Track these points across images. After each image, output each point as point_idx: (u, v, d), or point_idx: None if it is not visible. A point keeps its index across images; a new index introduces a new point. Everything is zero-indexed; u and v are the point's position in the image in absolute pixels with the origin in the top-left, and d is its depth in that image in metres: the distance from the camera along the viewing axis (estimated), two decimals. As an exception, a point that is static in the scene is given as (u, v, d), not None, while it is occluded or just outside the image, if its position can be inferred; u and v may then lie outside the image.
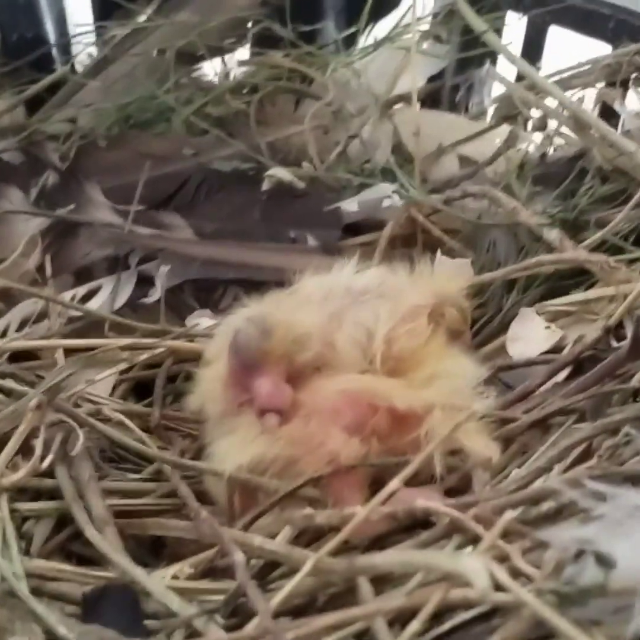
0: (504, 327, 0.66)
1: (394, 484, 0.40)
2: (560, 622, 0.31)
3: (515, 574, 0.36)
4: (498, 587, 0.33)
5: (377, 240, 0.71)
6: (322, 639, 0.39)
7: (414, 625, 0.34)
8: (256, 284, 0.65)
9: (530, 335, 0.64)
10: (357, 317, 0.55)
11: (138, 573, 0.45)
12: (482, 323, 0.69)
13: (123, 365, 0.64)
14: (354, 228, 0.75)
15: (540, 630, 0.35)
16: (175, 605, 0.43)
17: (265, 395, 0.50)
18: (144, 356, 0.64)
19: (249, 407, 0.51)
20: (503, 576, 0.31)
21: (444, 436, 0.47)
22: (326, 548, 0.40)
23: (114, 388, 0.66)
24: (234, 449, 0.51)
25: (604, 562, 0.33)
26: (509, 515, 0.35)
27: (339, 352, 0.53)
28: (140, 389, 0.67)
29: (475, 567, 0.31)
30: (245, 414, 0.52)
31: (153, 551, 0.55)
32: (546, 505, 0.39)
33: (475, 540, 0.39)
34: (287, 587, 0.40)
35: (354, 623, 0.39)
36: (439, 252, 0.67)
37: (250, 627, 0.39)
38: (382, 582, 0.41)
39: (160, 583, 0.45)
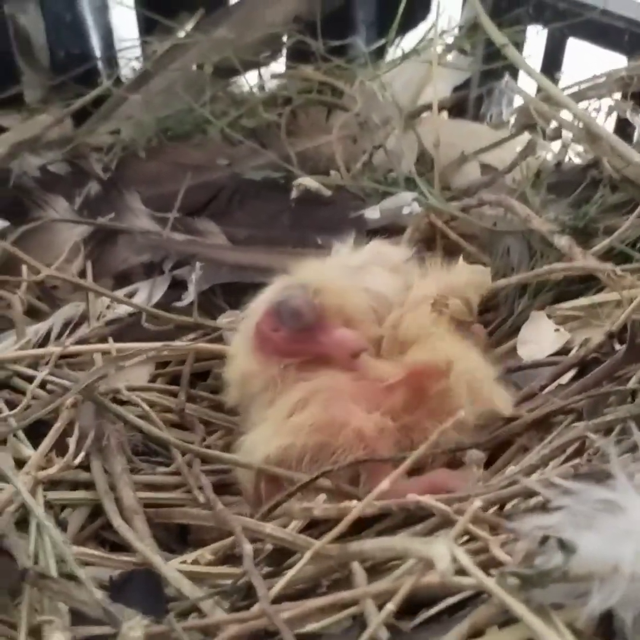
0: (515, 330, 0.69)
1: (384, 483, 0.43)
2: (515, 604, 0.35)
3: (494, 562, 0.39)
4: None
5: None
6: (319, 621, 0.43)
7: (390, 606, 0.37)
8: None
9: (540, 337, 0.67)
10: (366, 286, 0.59)
11: (156, 559, 0.49)
12: (495, 325, 0.72)
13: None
14: (376, 233, 0.78)
15: (507, 615, 0.38)
16: (187, 589, 0.47)
17: (350, 340, 0.54)
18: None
19: (302, 367, 0.55)
20: (464, 559, 0.35)
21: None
22: (326, 538, 0.44)
23: (153, 381, 0.71)
24: (262, 440, 0.54)
25: (566, 547, 0.37)
26: (477, 504, 0.38)
27: (353, 323, 0.57)
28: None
29: (440, 551, 0.35)
30: (276, 402, 0.55)
31: (180, 538, 0.59)
32: (522, 501, 0.43)
33: (467, 533, 0.41)
34: (291, 571, 0.44)
35: (349, 606, 0.43)
36: (460, 259, 0.69)
37: (252, 610, 0.43)
38: (379, 572, 0.45)
39: (174, 569, 0.49)
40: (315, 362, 0.56)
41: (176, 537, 0.59)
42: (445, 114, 0.89)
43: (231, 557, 0.52)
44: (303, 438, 0.53)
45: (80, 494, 0.57)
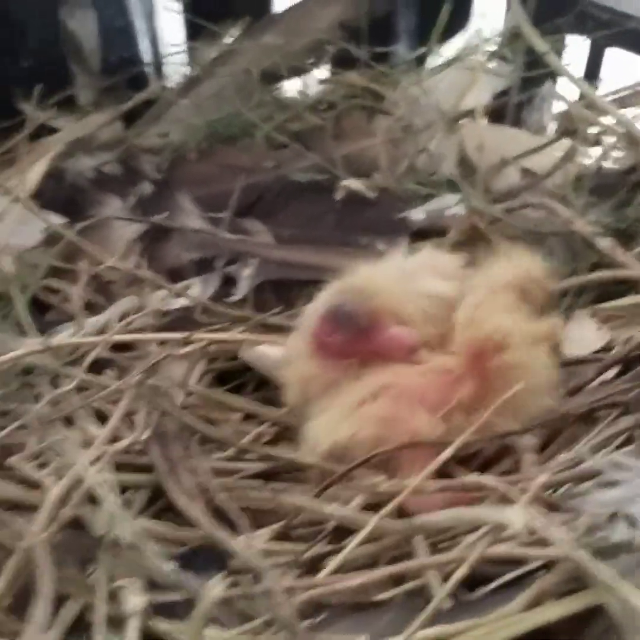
0: (560, 328, 0.71)
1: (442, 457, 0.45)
2: (598, 566, 0.36)
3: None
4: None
5: (441, 246, 0.77)
6: (379, 593, 0.45)
7: (460, 572, 0.39)
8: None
9: (583, 335, 0.69)
10: (421, 291, 0.60)
11: (221, 535, 0.51)
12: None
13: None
14: (420, 234, 0.80)
15: (574, 583, 0.40)
16: (255, 560, 0.49)
17: (404, 336, 0.56)
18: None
19: (360, 366, 0.56)
20: (540, 521, 0.37)
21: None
22: (384, 511, 0.46)
23: (201, 378, 0.73)
24: (329, 426, 0.55)
25: (632, 522, 0.39)
26: (542, 478, 0.40)
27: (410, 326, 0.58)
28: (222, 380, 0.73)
29: (515, 514, 0.37)
30: (337, 395, 0.56)
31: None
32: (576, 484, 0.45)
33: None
34: (353, 542, 0.46)
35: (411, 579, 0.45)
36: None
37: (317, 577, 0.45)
38: (439, 551, 0.47)
39: (241, 543, 0.51)
40: (374, 362, 0.57)
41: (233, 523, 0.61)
42: (484, 120, 0.91)
43: (288, 537, 0.54)
44: (368, 429, 0.54)
45: (140, 477, 0.59)
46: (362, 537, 0.46)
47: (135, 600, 0.45)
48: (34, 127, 0.87)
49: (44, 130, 0.91)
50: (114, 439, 0.57)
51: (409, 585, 0.45)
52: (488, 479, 0.47)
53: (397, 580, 0.47)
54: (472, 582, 0.44)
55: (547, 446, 0.58)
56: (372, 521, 0.45)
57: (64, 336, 0.70)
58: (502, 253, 0.63)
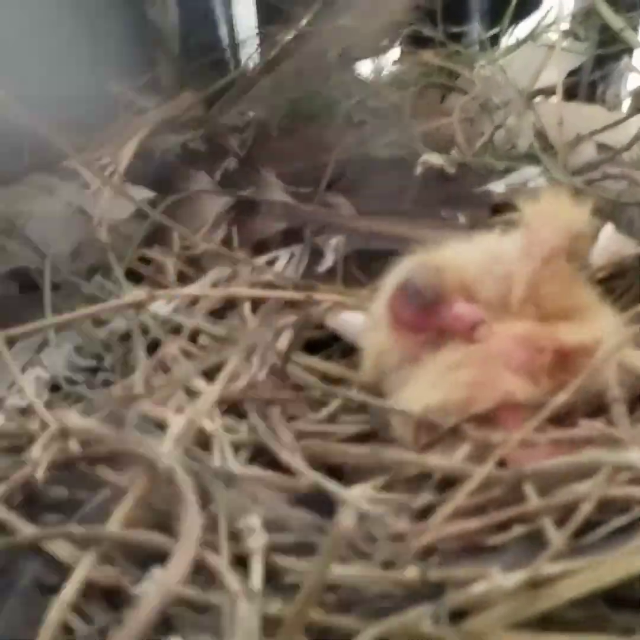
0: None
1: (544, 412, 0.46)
2: None
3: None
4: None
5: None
6: (490, 539, 0.46)
7: (584, 510, 0.40)
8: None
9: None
10: (500, 274, 0.59)
11: (330, 485, 0.51)
12: (619, 293, 0.74)
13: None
14: (499, 207, 0.81)
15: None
16: (365, 507, 0.49)
17: (467, 312, 0.56)
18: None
19: (435, 341, 0.56)
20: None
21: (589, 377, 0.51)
22: (494, 457, 0.47)
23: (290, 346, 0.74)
24: (420, 393, 0.55)
25: None
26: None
27: (486, 306, 0.57)
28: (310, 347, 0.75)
29: (637, 454, 0.38)
30: (424, 358, 0.56)
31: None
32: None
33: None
34: (463, 490, 0.47)
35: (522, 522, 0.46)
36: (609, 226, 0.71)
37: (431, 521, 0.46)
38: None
39: (351, 492, 0.51)
40: (444, 336, 0.57)
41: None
42: (557, 98, 0.91)
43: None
44: (459, 394, 0.54)
45: (241, 435, 0.59)
46: (472, 486, 0.47)
47: (256, 538, 0.46)
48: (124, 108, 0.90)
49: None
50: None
51: (520, 530, 0.46)
52: (601, 426, 0.47)
53: (505, 526, 0.48)
54: (581, 528, 0.45)
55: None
56: (484, 469, 0.46)
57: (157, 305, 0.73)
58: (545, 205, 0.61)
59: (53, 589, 0.42)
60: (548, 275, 0.58)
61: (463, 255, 0.60)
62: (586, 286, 0.60)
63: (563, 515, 0.44)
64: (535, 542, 0.45)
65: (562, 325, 0.56)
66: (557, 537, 0.42)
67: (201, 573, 0.42)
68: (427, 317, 0.57)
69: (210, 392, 0.58)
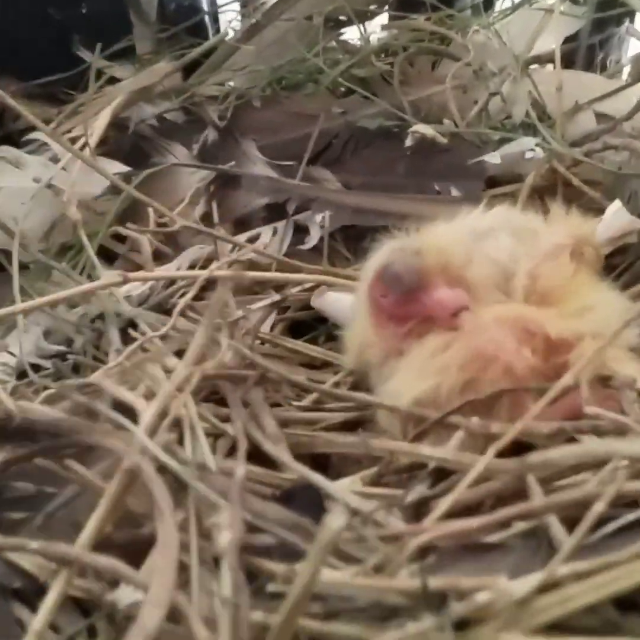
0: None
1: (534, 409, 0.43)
2: None
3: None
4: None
5: (518, 191, 0.74)
6: (488, 536, 0.43)
7: (594, 511, 0.36)
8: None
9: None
10: (488, 252, 0.56)
11: (317, 477, 0.48)
12: (621, 269, 0.71)
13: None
14: (495, 180, 0.78)
15: None
16: (355, 502, 0.47)
17: (450, 298, 0.52)
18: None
19: (419, 331, 0.53)
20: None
21: (593, 359, 0.48)
22: (496, 446, 0.43)
23: (272, 328, 0.71)
24: (406, 385, 0.52)
25: None
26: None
27: (473, 288, 0.54)
28: (295, 329, 0.72)
29: None
30: (409, 350, 0.53)
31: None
32: None
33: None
34: (461, 484, 0.43)
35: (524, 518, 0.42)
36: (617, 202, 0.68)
37: (429, 519, 0.43)
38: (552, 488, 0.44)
39: (339, 485, 0.48)
40: (429, 325, 0.54)
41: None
42: (553, 65, 0.87)
43: (380, 484, 0.51)
44: (450, 377, 0.51)
45: (221, 425, 0.56)
46: (471, 479, 0.43)
47: (227, 535, 0.42)
48: (96, 77, 0.86)
49: (105, 81, 0.90)
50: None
51: (522, 526, 0.43)
52: (603, 410, 0.44)
53: (507, 523, 0.45)
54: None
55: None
56: (484, 460, 0.42)
57: (132, 287, 0.69)
58: (554, 215, 0.60)
59: (16, 593, 0.40)
60: (549, 268, 0.55)
61: (446, 236, 0.57)
62: (592, 281, 0.57)
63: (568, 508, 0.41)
64: (538, 538, 0.41)
65: (550, 315, 0.52)
66: (567, 540, 0.38)
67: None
68: (409, 305, 0.53)
69: (177, 374, 0.54)
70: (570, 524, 0.41)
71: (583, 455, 0.40)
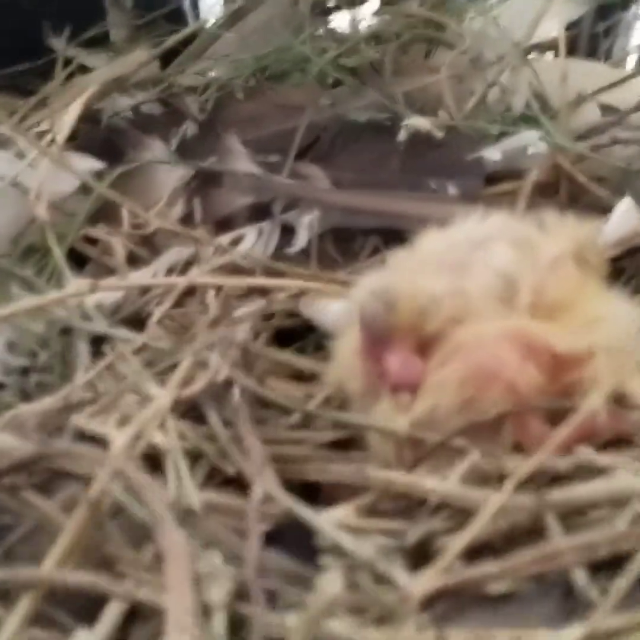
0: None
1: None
2: None
3: None
4: None
5: (519, 189, 0.70)
6: (496, 582, 0.39)
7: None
8: (396, 234, 0.64)
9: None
10: (487, 263, 0.53)
11: (305, 511, 0.45)
12: (631, 273, 0.67)
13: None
14: (494, 177, 0.73)
15: None
16: (349, 543, 0.43)
17: (395, 372, 0.48)
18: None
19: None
20: None
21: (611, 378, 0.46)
22: (511, 481, 0.39)
23: (256, 337, 0.67)
24: (401, 405, 0.48)
25: None
26: None
27: (474, 301, 0.50)
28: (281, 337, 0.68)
29: None
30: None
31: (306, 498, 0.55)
32: None
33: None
34: (471, 528, 0.40)
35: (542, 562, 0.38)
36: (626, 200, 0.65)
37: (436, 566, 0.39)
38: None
39: (328, 520, 0.44)
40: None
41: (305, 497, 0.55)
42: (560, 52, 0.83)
43: (374, 514, 0.46)
44: (448, 396, 0.47)
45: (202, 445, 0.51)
46: (486, 518, 0.39)
47: (219, 588, 0.38)
48: (66, 66, 0.82)
49: (76, 70, 0.86)
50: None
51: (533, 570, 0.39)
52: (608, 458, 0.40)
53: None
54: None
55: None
56: (499, 498, 0.38)
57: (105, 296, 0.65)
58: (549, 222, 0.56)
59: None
60: (555, 280, 0.52)
61: (423, 274, 0.52)
62: (600, 290, 0.54)
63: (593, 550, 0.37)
64: (556, 585, 0.38)
65: (557, 329, 0.49)
66: (612, 591, 0.34)
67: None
68: (375, 350, 0.49)
69: (160, 400, 0.50)
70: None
71: (612, 492, 0.36)
